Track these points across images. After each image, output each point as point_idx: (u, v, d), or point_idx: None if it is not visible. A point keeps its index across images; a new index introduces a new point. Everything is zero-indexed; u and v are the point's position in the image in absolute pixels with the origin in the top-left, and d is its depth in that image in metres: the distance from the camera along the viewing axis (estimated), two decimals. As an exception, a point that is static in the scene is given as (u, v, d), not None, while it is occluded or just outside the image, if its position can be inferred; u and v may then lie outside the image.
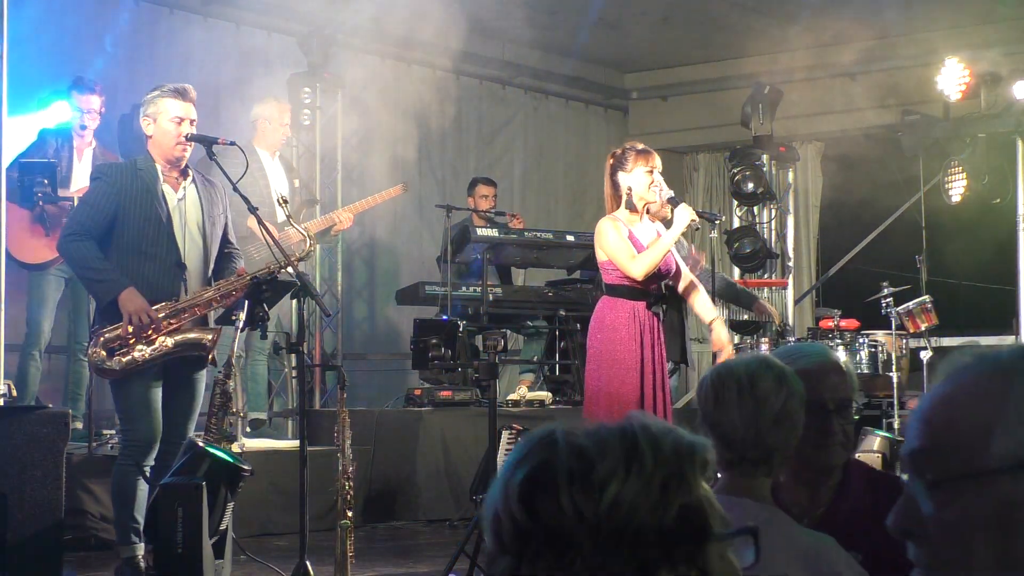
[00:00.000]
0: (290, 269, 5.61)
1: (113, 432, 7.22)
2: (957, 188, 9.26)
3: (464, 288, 9.38)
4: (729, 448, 2.59)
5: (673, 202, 6.31)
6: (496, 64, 11.99)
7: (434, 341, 8.01)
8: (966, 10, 10.62)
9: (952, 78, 9.10)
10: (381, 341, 11.07)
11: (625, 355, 6.13)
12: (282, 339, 8.44)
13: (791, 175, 10.82)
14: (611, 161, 6.24)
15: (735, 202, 10.58)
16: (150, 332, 5.37)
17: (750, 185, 10.20)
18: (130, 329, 5.34)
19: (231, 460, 5.05)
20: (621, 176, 6.20)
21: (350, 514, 5.37)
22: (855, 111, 11.83)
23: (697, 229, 6.71)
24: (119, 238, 5.45)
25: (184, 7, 9.76)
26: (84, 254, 5.43)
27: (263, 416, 8.62)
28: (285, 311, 8.25)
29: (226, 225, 5.74)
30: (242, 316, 5.45)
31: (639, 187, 6.18)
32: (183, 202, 5.57)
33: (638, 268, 6.09)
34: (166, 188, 5.54)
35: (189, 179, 5.61)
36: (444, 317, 8.64)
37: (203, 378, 5.67)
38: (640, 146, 6.27)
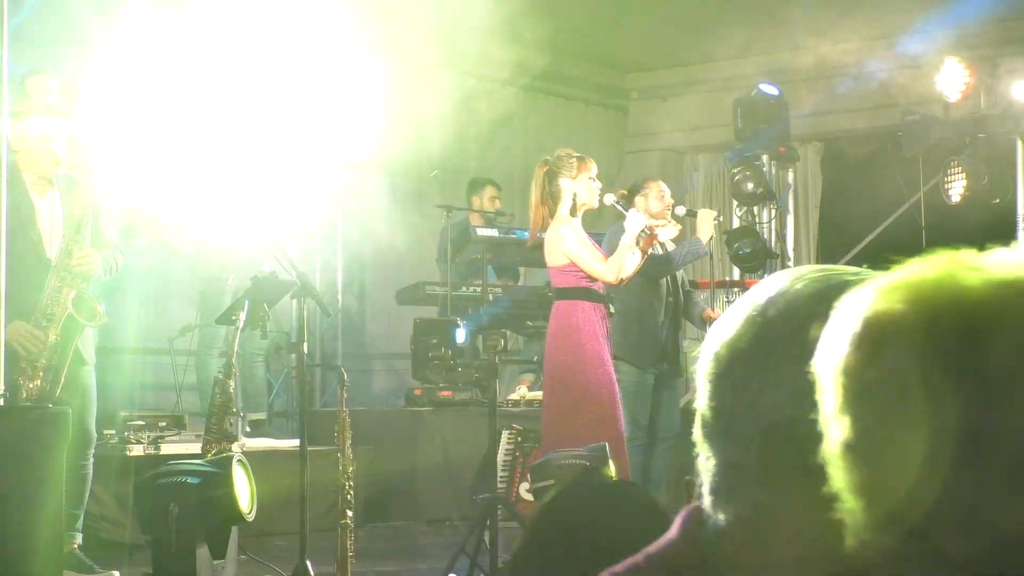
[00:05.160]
0: (282, 266, 5.68)
1: (113, 432, 7.23)
2: (957, 188, 9.25)
3: (464, 288, 9.38)
4: None
5: (620, 208, 6.68)
6: (496, 64, 11.99)
7: (434, 341, 8.01)
8: (966, 10, 10.61)
9: (952, 78, 9.09)
10: (381, 341, 11.07)
11: (602, 352, 6.28)
12: (282, 339, 8.44)
13: (791, 175, 10.81)
14: (545, 169, 6.46)
15: (735, 202, 10.57)
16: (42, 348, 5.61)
17: (750, 185, 10.19)
18: (24, 355, 5.58)
19: (236, 505, 5.01)
20: (566, 182, 6.40)
21: (350, 514, 5.37)
22: (855, 111, 11.82)
23: (650, 234, 6.72)
24: None
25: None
26: None
27: (263, 416, 8.61)
28: (285, 311, 8.25)
29: (98, 223, 5.91)
30: (242, 316, 5.45)
31: (584, 193, 6.45)
32: (51, 208, 5.80)
33: (612, 274, 6.32)
34: (34, 196, 5.77)
35: (55, 186, 5.82)
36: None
37: (91, 374, 5.92)
38: (577, 153, 6.54)
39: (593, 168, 6.49)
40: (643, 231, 6.49)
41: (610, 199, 6.71)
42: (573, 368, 6.21)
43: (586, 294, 6.35)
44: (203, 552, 4.85)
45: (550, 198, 6.45)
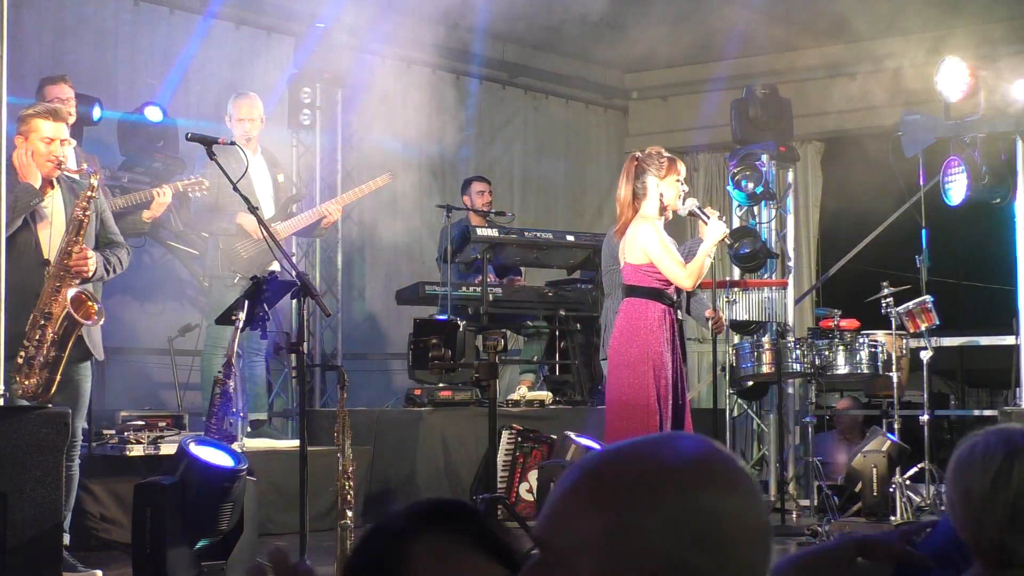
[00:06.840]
0: (282, 266, 5.67)
1: (113, 432, 7.23)
2: (957, 188, 9.24)
3: (464, 288, 9.38)
4: None
5: (701, 215, 6.59)
6: (496, 64, 11.99)
7: (434, 341, 8.00)
8: (966, 10, 10.61)
9: (952, 78, 9.08)
10: (381, 341, 11.07)
11: (664, 357, 6.23)
12: (282, 339, 8.43)
13: (791, 175, 10.79)
14: (635, 164, 6.38)
15: (735, 202, 10.56)
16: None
17: (750, 185, 10.19)
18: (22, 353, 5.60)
19: (212, 464, 5.02)
20: (653, 181, 6.32)
21: (350, 514, 5.37)
22: (855, 111, 11.81)
23: (729, 244, 7.02)
24: None
25: (184, 7, 9.76)
26: None
27: (263, 416, 8.61)
28: (285, 311, 8.24)
29: (100, 223, 5.98)
30: (242, 316, 5.46)
31: (671, 195, 6.38)
32: (48, 208, 5.85)
33: (690, 280, 6.31)
34: None
35: (56, 188, 5.90)
36: (441, 317, 8.63)
37: (87, 372, 5.94)
38: (668, 153, 6.46)
39: (682, 170, 6.45)
40: (723, 239, 6.54)
41: (691, 204, 6.61)
42: (635, 367, 6.19)
43: (658, 296, 6.31)
44: (180, 552, 4.87)
45: (640, 194, 6.37)
